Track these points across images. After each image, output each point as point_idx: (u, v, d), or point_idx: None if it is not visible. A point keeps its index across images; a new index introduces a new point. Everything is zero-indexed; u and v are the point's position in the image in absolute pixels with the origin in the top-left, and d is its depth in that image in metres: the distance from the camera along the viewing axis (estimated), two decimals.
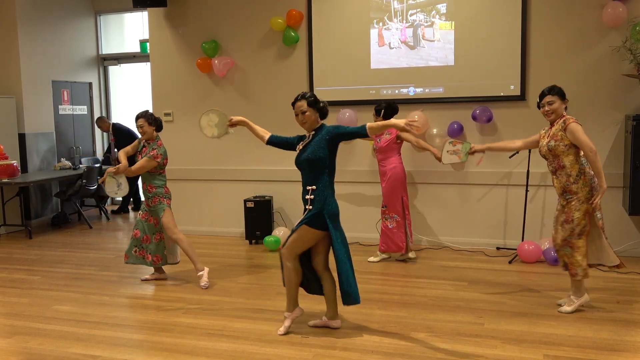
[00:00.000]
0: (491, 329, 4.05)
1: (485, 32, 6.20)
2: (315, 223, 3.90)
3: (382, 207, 5.86)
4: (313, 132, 4.00)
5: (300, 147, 4.03)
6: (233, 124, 4.43)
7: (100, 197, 8.82)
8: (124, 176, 5.20)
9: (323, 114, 4.02)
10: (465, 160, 4.68)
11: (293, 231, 4.00)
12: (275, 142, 4.26)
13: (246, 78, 7.14)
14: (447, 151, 4.64)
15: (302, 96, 3.99)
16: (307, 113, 3.95)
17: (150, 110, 5.57)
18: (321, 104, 4.00)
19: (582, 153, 4.19)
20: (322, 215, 3.89)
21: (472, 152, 4.62)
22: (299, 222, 3.97)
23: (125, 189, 5.24)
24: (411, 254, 5.95)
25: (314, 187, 3.91)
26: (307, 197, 3.94)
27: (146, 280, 5.46)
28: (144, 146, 5.32)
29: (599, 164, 4.08)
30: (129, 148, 5.42)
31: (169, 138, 7.46)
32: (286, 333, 4.04)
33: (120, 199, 9.47)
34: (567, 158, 4.18)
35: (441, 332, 4.01)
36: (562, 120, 4.20)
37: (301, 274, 4.04)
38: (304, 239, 3.96)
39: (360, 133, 3.89)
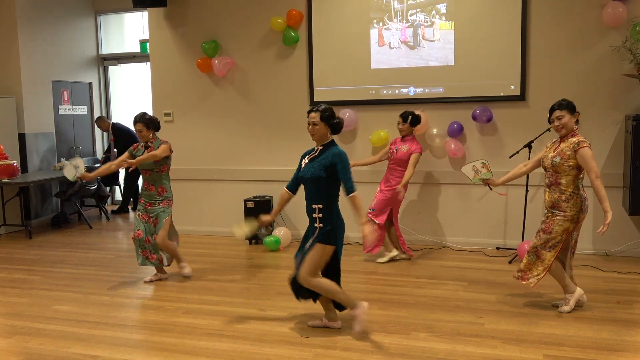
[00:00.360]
0: (491, 329, 4.05)
1: (485, 32, 6.20)
2: (328, 239, 3.90)
3: (370, 209, 5.81)
4: (321, 148, 3.98)
5: (306, 161, 4.00)
6: (263, 224, 4.21)
7: (100, 197, 8.82)
8: (79, 158, 5.26)
9: (335, 130, 3.98)
10: (474, 182, 4.78)
11: (305, 252, 3.94)
12: (296, 184, 4.13)
13: (246, 78, 7.14)
14: (473, 166, 4.75)
15: (318, 109, 3.96)
16: (317, 126, 3.93)
17: (149, 112, 5.56)
18: (335, 121, 3.95)
19: (581, 175, 4.23)
20: (334, 231, 3.90)
21: (485, 183, 4.68)
22: (312, 241, 3.93)
23: (82, 168, 5.20)
24: (403, 255, 6.02)
25: (321, 205, 3.90)
26: (315, 215, 3.92)
27: (150, 281, 5.45)
28: (147, 147, 5.32)
29: (603, 189, 4.11)
30: (118, 162, 5.35)
31: (169, 138, 7.43)
32: (362, 330, 3.98)
33: (120, 197, 9.48)
34: (566, 177, 4.21)
35: (441, 332, 4.01)
36: (575, 141, 4.18)
37: (330, 280, 3.98)
38: (323, 257, 3.92)
39: (346, 189, 3.84)
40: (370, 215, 5.79)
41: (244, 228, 4.18)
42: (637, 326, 4.06)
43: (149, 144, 5.32)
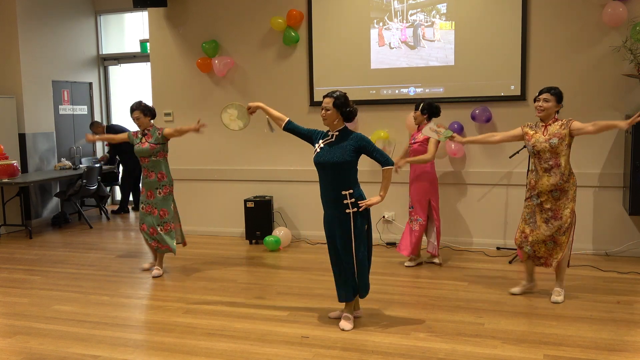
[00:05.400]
0: (491, 329, 4.05)
1: (485, 32, 6.19)
2: (364, 218, 4.07)
3: (410, 207, 5.70)
4: (337, 133, 4.05)
5: (321, 145, 4.04)
6: (252, 112, 4.47)
7: (101, 197, 8.82)
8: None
9: (347, 118, 4.07)
10: (442, 140, 4.98)
11: (347, 243, 4.03)
12: (293, 129, 4.24)
13: (246, 78, 7.14)
14: (430, 128, 4.93)
15: (332, 94, 4.04)
16: (329, 112, 4.02)
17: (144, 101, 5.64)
18: (348, 109, 4.02)
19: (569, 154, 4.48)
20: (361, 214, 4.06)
21: (451, 138, 4.83)
22: (355, 228, 4.00)
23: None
24: (437, 259, 5.81)
25: (351, 190, 3.99)
26: (347, 201, 3.98)
27: (147, 270, 5.68)
28: (144, 134, 5.46)
29: (605, 122, 4.34)
30: (118, 137, 5.67)
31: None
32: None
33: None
34: (563, 157, 4.41)
35: (441, 332, 4.01)
36: (563, 122, 4.44)
37: None
38: None
39: (385, 161, 4.00)
40: (413, 214, 5.66)
41: (237, 120, 4.25)
42: (637, 326, 4.06)
43: (146, 131, 5.48)
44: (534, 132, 4.50)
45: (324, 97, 4.07)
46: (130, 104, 5.52)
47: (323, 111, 4.04)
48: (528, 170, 4.66)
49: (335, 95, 4.02)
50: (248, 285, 5.26)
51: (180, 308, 4.66)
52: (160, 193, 5.50)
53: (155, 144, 5.42)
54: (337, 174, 3.98)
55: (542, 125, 4.48)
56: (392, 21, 6.49)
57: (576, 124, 4.38)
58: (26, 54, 8.19)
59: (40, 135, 8.44)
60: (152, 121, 5.53)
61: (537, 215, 4.51)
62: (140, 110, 5.44)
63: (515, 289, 4.78)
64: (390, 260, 5.97)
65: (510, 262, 5.80)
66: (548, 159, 4.41)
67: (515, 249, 6.00)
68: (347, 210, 3.99)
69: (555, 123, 4.44)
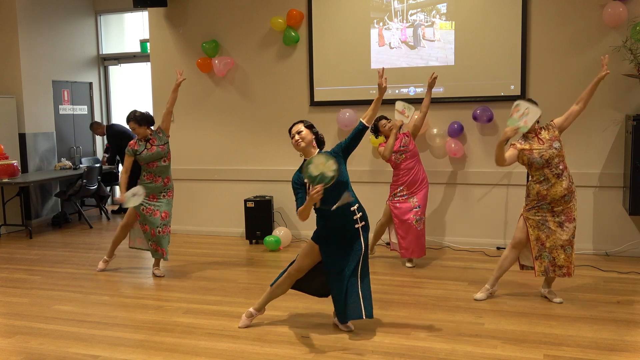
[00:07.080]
0: (491, 329, 4.05)
1: (485, 32, 6.19)
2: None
3: (417, 207, 5.62)
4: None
5: None
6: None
7: (101, 197, 8.82)
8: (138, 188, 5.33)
9: (320, 143, 3.97)
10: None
11: (365, 257, 3.93)
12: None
13: (246, 78, 7.14)
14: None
15: (300, 121, 3.93)
16: (303, 133, 3.85)
17: (149, 111, 5.61)
18: (316, 131, 3.96)
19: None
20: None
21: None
22: (365, 243, 3.91)
23: (141, 194, 5.32)
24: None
25: (357, 204, 3.91)
26: (356, 216, 3.89)
27: (158, 275, 5.60)
28: (148, 140, 5.38)
29: (586, 89, 4.52)
30: (127, 166, 5.40)
31: (169, 138, 7.47)
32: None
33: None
34: (564, 161, 4.39)
35: (441, 332, 4.01)
36: (546, 125, 4.45)
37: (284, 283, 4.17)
38: None
39: (359, 129, 3.92)
40: (420, 214, 5.62)
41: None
42: (637, 326, 4.06)
43: (149, 136, 5.41)
44: (529, 145, 4.38)
45: (295, 124, 3.88)
46: (128, 113, 5.45)
47: (297, 136, 3.81)
48: (528, 181, 4.53)
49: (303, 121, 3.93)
50: (248, 285, 5.26)
51: (180, 308, 4.66)
52: (164, 197, 5.49)
53: (164, 145, 5.41)
54: (347, 189, 3.81)
55: (533, 136, 4.40)
56: (392, 21, 6.49)
57: (558, 120, 4.45)
58: (26, 54, 8.19)
59: (40, 135, 8.45)
60: (150, 129, 5.42)
61: (550, 221, 4.41)
62: (135, 121, 5.34)
63: (480, 295, 4.66)
64: (390, 261, 5.97)
65: None
66: (558, 164, 4.33)
67: None
68: (357, 225, 3.90)
69: (542, 130, 4.41)
